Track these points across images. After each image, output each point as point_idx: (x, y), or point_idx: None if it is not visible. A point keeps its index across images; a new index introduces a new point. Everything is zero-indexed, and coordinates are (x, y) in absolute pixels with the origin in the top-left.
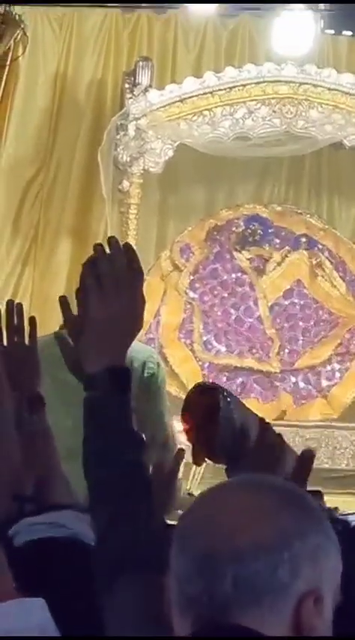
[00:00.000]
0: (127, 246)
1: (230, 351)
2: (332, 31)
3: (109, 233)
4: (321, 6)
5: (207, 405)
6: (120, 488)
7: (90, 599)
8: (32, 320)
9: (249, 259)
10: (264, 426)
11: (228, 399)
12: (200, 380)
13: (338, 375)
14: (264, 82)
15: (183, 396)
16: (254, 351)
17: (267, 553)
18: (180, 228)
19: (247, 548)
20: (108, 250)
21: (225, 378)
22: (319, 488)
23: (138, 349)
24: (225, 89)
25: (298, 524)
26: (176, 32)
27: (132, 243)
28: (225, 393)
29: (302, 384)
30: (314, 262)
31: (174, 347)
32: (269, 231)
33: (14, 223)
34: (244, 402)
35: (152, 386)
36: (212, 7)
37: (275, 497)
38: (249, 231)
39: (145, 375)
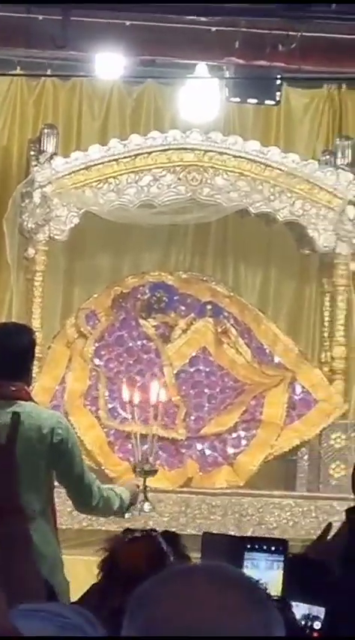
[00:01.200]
0: None
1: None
2: (238, 99)
3: (15, 300)
4: (226, 74)
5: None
6: None
7: None
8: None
9: (154, 326)
10: None
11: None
12: (105, 447)
13: (244, 442)
14: (170, 149)
15: (89, 463)
16: (159, 418)
17: None
18: (85, 295)
19: None
20: None
21: (130, 445)
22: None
23: (46, 416)
24: (130, 156)
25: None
26: (81, 99)
27: (38, 310)
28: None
29: (208, 451)
30: (219, 329)
31: (79, 414)
32: (175, 298)
33: None
34: None
35: (64, 450)
36: (117, 74)
37: (246, 599)
38: (155, 298)
39: (54, 441)
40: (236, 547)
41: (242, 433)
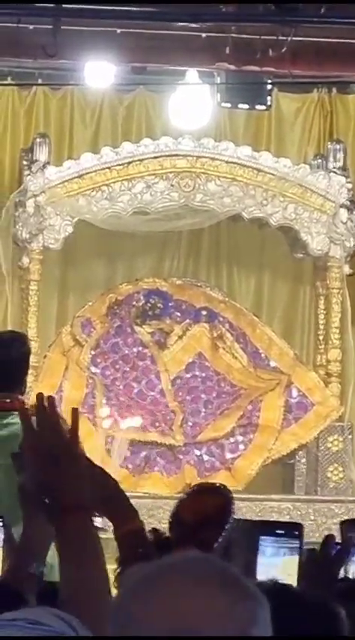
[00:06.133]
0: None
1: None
2: (229, 105)
3: (10, 310)
4: (217, 80)
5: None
6: None
7: None
8: (74, 412)
9: (150, 333)
10: None
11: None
12: (104, 455)
13: (241, 447)
14: (162, 156)
15: None
16: (157, 424)
17: None
18: (80, 303)
19: None
20: None
21: (128, 452)
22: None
23: None
24: (122, 164)
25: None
26: (72, 108)
27: (33, 319)
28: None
29: (205, 457)
30: (215, 335)
31: None
32: (170, 304)
33: None
34: (148, 475)
35: None
36: (108, 82)
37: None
38: (149, 305)
39: None
40: (249, 532)
41: (239, 438)
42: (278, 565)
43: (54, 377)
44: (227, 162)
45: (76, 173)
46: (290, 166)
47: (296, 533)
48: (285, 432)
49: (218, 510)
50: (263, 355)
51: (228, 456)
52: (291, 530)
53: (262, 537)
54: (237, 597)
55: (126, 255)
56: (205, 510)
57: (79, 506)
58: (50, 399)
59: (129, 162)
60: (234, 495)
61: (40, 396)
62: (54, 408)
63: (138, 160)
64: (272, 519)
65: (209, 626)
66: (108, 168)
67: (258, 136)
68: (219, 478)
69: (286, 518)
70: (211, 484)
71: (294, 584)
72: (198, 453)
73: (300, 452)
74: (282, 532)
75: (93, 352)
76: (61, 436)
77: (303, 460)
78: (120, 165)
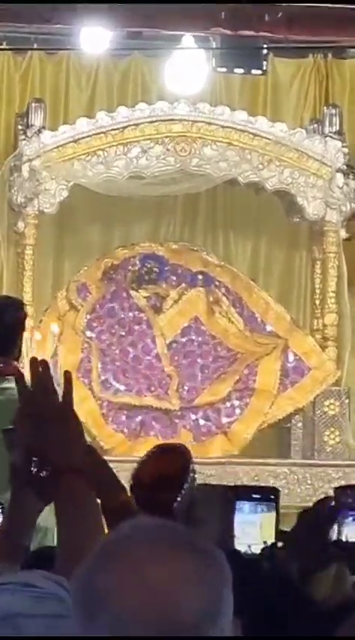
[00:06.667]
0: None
1: (128, 389)
2: (225, 69)
3: (5, 274)
4: (213, 44)
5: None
6: None
7: None
8: (67, 374)
9: (145, 297)
10: None
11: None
12: (99, 419)
13: (238, 411)
14: (157, 120)
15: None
16: (152, 389)
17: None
18: (76, 268)
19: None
20: None
21: (124, 417)
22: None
23: None
24: (118, 129)
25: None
26: (68, 73)
27: (29, 284)
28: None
29: (202, 421)
30: (211, 299)
31: None
32: (166, 269)
33: None
34: (144, 440)
35: None
36: (103, 47)
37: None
38: (145, 269)
39: None
40: (225, 497)
41: (236, 402)
42: (255, 522)
43: (49, 341)
44: (223, 126)
45: (71, 138)
46: (286, 131)
47: (273, 497)
48: (282, 396)
49: (176, 471)
50: (259, 319)
51: (225, 420)
52: (267, 494)
53: (239, 502)
54: (207, 561)
55: (122, 219)
56: (163, 471)
57: (73, 469)
58: (43, 362)
59: (125, 127)
60: (231, 459)
61: (33, 360)
62: (47, 372)
63: (134, 125)
64: (270, 484)
65: (183, 592)
66: (104, 132)
67: (254, 101)
68: (216, 442)
69: (282, 483)
70: (171, 444)
71: (272, 539)
72: (194, 417)
73: (297, 416)
74: (258, 496)
75: (88, 316)
76: (55, 399)
77: (300, 424)
78: (115, 129)
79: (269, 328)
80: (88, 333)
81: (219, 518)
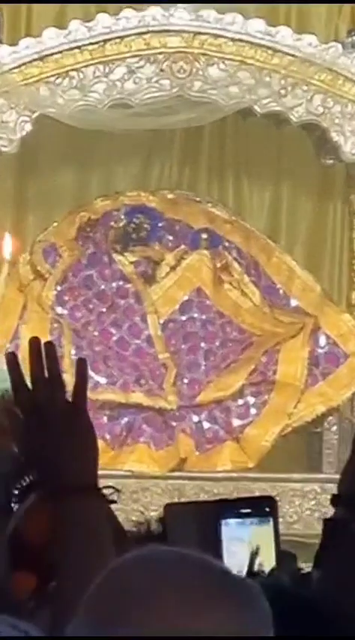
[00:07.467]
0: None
1: (111, 382)
2: None
3: None
4: None
5: None
6: None
7: None
8: (81, 364)
9: (133, 263)
10: None
11: None
12: None
13: (253, 411)
14: (148, 32)
15: None
16: (142, 382)
17: None
18: (42, 224)
19: None
20: None
21: (105, 418)
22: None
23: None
24: (97, 42)
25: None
26: None
27: None
28: None
29: (206, 424)
30: (218, 265)
31: None
32: (159, 225)
33: None
34: (132, 448)
35: None
36: None
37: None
38: (133, 226)
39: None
40: (207, 517)
41: (250, 399)
42: (243, 538)
43: (8, 319)
44: (233, 40)
45: (36, 54)
46: (316, 45)
47: (268, 510)
48: (310, 391)
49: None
50: (281, 291)
51: (236, 422)
52: (260, 506)
53: (223, 520)
54: (248, 604)
55: (102, 161)
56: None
57: (85, 486)
58: (50, 345)
59: (106, 41)
60: (244, 474)
61: (35, 341)
62: (54, 358)
63: (118, 38)
64: (296, 505)
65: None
66: (79, 47)
67: (274, 7)
68: (224, 451)
69: (312, 504)
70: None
71: (271, 562)
72: (196, 418)
73: (330, 417)
74: (248, 511)
75: (59, 288)
76: (62, 396)
77: (334, 428)
78: (93, 43)
79: (293, 303)
80: (59, 310)
81: (200, 541)
